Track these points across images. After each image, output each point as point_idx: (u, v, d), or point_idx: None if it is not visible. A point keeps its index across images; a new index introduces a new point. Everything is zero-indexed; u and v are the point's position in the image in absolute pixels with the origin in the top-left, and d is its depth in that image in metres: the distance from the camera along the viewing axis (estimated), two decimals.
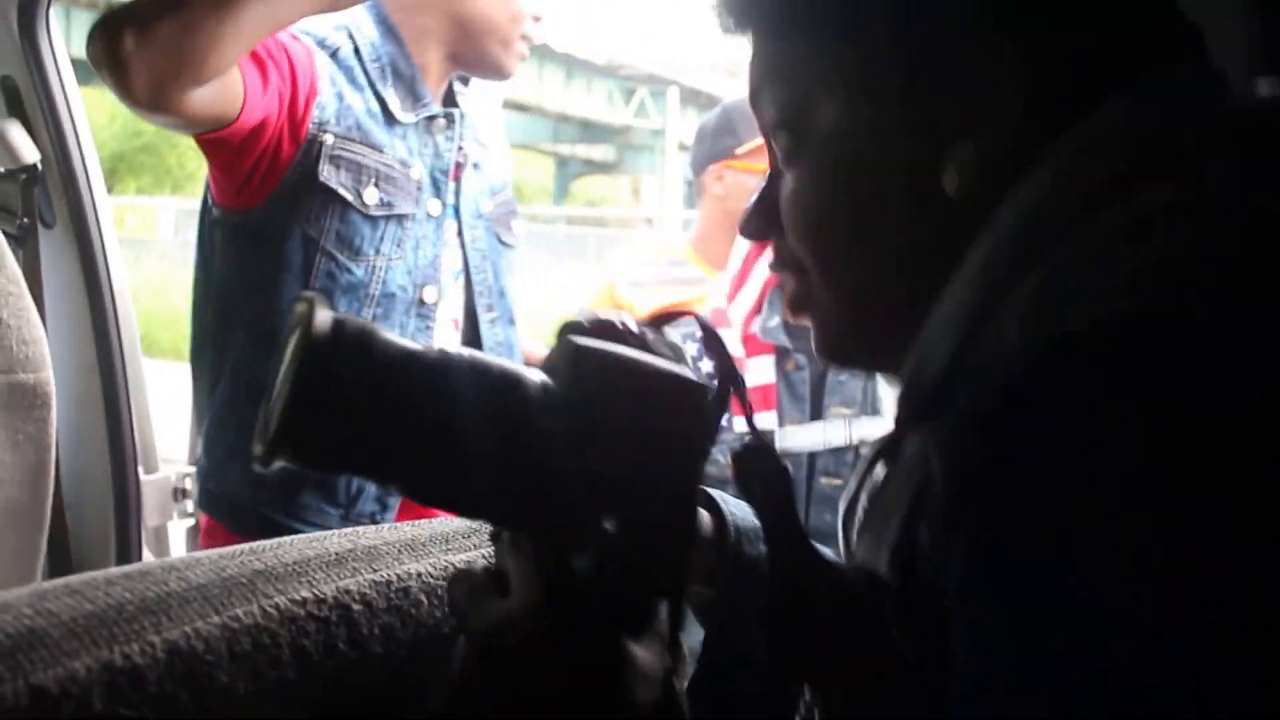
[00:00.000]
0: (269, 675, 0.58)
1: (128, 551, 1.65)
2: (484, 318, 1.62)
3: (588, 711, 0.50)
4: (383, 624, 0.63)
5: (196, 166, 13.44)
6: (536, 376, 0.53)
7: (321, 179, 1.43)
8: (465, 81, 1.64)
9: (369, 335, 0.52)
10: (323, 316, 0.51)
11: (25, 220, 1.46)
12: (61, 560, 1.58)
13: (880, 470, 0.60)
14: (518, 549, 0.53)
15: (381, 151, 1.48)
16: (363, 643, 0.62)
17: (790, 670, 0.59)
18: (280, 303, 1.44)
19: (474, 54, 1.56)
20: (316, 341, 0.50)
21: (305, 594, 0.61)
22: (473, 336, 1.60)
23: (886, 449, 0.60)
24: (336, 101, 1.45)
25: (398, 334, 1.72)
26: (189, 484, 1.70)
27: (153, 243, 12.13)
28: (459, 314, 1.60)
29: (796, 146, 0.60)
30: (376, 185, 1.46)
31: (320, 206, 1.43)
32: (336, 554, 0.65)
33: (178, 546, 1.78)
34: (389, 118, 1.50)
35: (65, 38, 1.57)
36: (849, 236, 0.59)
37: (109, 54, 1.24)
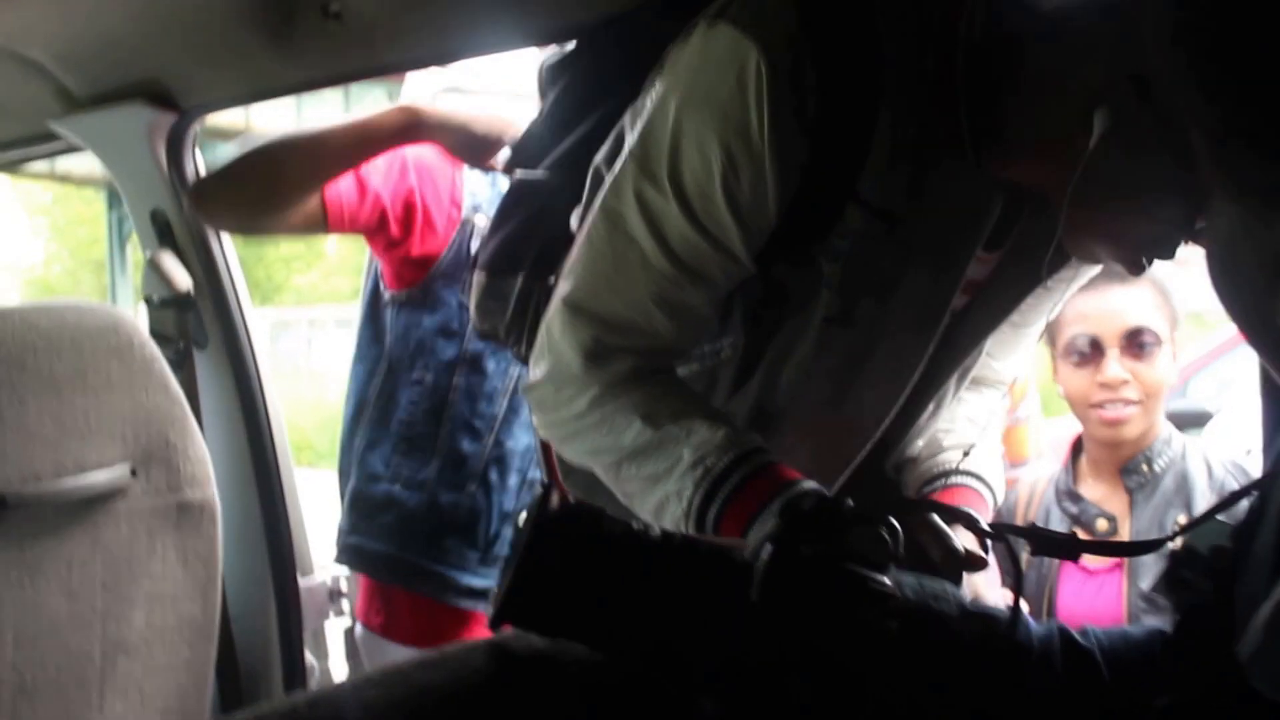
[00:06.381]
0: None
1: (291, 655, 1.68)
2: None
3: None
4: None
5: (285, 279, 13.93)
6: (738, 561, 0.58)
7: (473, 254, 1.52)
8: None
9: (591, 520, 0.58)
10: (549, 505, 0.58)
11: (181, 344, 1.54)
12: (229, 668, 1.62)
13: None
14: None
15: None
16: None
17: None
18: (435, 361, 1.57)
19: None
20: (540, 526, 0.57)
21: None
22: None
23: None
24: (490, 189, 1.59)
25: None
26: (344, 585, 1.75)
27: None
28: None
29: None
30: None
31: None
32: None
33: (334, 647, 1.81)
34: None
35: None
36: (1250, 337, 0.57)
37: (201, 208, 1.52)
